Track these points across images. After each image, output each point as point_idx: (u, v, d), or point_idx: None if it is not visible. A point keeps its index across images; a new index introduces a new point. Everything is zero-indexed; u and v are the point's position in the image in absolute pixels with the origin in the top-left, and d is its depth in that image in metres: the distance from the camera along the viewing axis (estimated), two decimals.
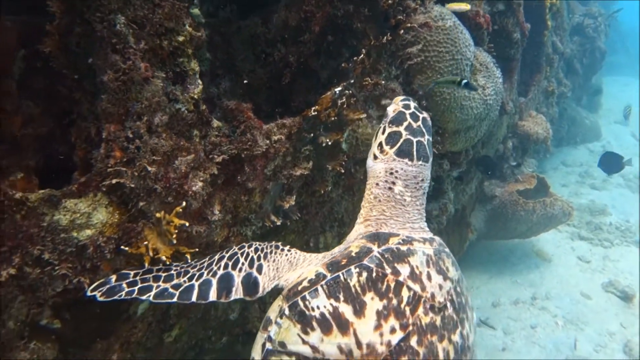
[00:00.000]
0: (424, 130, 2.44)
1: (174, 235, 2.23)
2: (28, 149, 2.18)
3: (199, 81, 2.34)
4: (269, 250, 2.41)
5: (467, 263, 7.16)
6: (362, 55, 3.16)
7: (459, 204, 5.98)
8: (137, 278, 2.19)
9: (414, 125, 2.42)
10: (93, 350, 2.38)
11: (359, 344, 1.86)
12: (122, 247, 2.18)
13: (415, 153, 2.36)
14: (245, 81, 3.26)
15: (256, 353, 2.09)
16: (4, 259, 1.93)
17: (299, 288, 2.05)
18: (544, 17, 7.24)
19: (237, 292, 2.23)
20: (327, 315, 1.92)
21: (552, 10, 7.70)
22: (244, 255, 2.38)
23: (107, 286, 2.12)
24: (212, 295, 2.19)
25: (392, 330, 1.88)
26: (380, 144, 2.44)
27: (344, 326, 1.89)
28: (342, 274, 2.00)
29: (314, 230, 3.46)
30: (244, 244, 2.47)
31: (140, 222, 2.24)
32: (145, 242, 2.23)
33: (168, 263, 2.30)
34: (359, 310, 1.91)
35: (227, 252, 2.41)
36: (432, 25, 3.65)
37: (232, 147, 2.51)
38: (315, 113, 2.79)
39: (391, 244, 2.13)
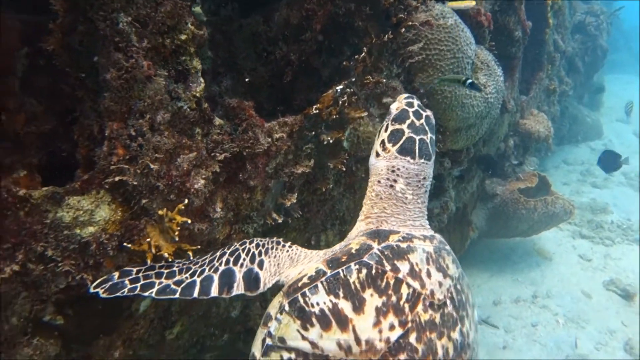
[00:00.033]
0: (426, 128, 2.44)
1: (176, 233, 2.24)
2: (31, 147, 2.19)
3: (201, 79, 2.35)
4: (270, 246, 2.42)
5: (468, 261, 7.17)
6: (363, 54, 3.16)
7: (460, 202, 5.98)
8: (140, 275, 2.20)
9: (417, 123, 2.42)
10: (95, 346, 2.40)
11: (357, 340, 1.87)
12: (124, 244, 2.18)
13: (417, 151, 2.36)
14: (247, 79, 3.27)
15: (256, 348, 2.10)
16: (8, 255, 1.94)
17: (299, 284, 2.06)
18: (546, 15, 7.24)
19: (239, 288, 2.24)
20: (327, 311, 1.93)
21: (553, 8, 7.69)
22: (245, 250, 2.39)
23: (110, 283, 2.13)
24: (214, 291, 2.20)
25: (391, 327, 1.89)
26: (382, 142, 2.44)
27: (343, 322, 1.90)
28: (342, 270, 2.01)
29: (316, 228, 3.47)
30: (245, 240, 2.48)
31: (142, 219, 2.25)
32: (148, 239, 2.24)
33: (170, 260, 2.32)
34: (358, 307, 1.92)
35: (228, 249, 2.42)
36: (433, 23, 3.65)
37: (234, 145, 2.52)
38: (317, 111, 2.80)
39: (391, 241, 2.14)
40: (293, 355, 1.94)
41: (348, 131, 3.18)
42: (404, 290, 1.97)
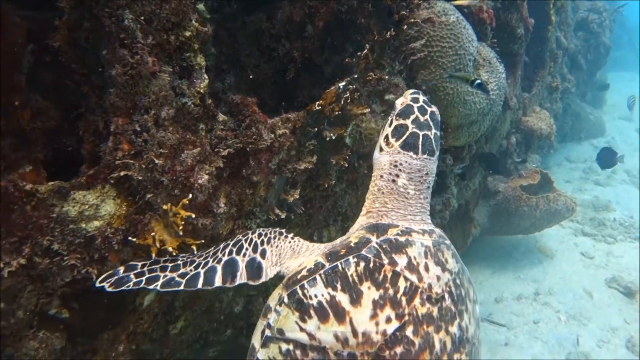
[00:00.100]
0: (431, 124, 2.43)
1: (180, 227, 2.26)
2: (37, 142, 2.20)
3: (205, 76, 2.36)
4: (272, 236, 2.45)
5: (470, 258, 7.18)
6: (365, 51, 3.18)
7: (462, 199, 5.99)
8: (145, 269, 2.23)
9: (422, 118, 2.42)
10: (100, 340, 2.42)
11: (354, 332, 1.89)
12: (129, 238, 2.21)
13: (420, 146, 2.36)
14: (250, 76, 3.28)
15: (256, 340, 2.13)
16: (14, 249, 1.97)
17: (298, 277, 2.08)
18: (548, 12, 7.24)
19: (242, 277, 2.28)
20: (325, 303, 1.95)
21: (556, 6, 7.69)
22: (248, 240, 2.42)
23: (116, 277, 2.16)
24: (218, 281, 2.23)
25: (388, 320, 1.90)
26: (386, 137, 2.44)
27: (340, 315, 1.92)
28: (341, 263, 2.03)
29: (318, 224, 3.48)
30: (248, 231, 2.51)
31: (147, 214, 2.27)
32: (152, 234, 2.26)
33: (174, 254, 2.34)
34: (356, 300, 1.94)
35: (231, 240, 2.46)
36: (435, 20, 3.66)
37: (238, 140, 2.54)
38: (320, 107, 2.81)
39: (390, 235, 2.15)
40: (291, 347, 1.96)
41: (350, 127, 3.19)
42: (402, 284, 1.98)
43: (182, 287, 2.18)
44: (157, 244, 2.26)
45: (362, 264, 2.02)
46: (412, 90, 2.59)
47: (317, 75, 3.45)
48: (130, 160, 2.12)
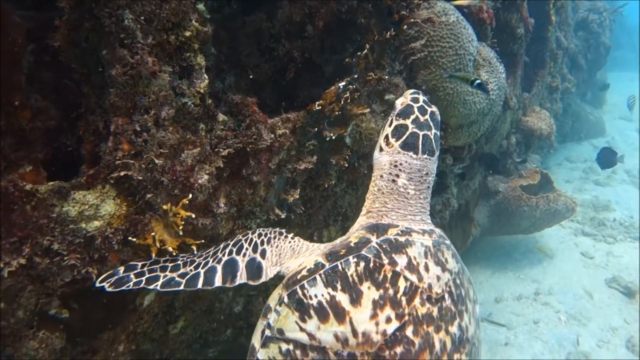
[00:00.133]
0: (431, 124, 2.43)
1: (181, 227, 2.26)
2: (36, 142, 2.21)
3: (205, 76, 2.37)
4: (272, 236, 2.45)
5: (470, 258, 7.17)
6: (365, 51, 3.18)
7: (462, 199, 5.99)
8: (145, 269, 2.23)
9: (422, 118, 2.42)
10: (100, 340, 2.42)
11: (354, 332, 1.89)
12: (129, 238, 2.21)
13: (420, 146, 2.35)
14: (251, 76, 3.28)
15: (256, 340, 2.13)
16: (14, 249, 1.97)
17: (298, 277, 2.08)
18: (548, 12, 7.24)
19: (242, 277, 2.28)
20: (325, 303, 1.95)
21: (556, 6, 7.69)
22: (248, 240, 2.43)
23: (116, 277, 2.16)
24: (218, 281, 2.23)
25: (388, 320, 1.91)
26: (386, 137, 2.44)
27: (340, 315, 1.92)
28: (340, 263, 2.03)
29: (318, 224, 3.48)
30: (248, 231, 2.51)
31: (147, 214, 2.28)
32: (152, 234, 2.26)
33: (174, 254, 2.34)
34: (356, 300, 1.94)
35: (231, 240, 2.46)
36: (435, 20, 3.67)
37: (238, 140, 2.54)
38: (320, 107, 2.81)
39: (389, 235, 2.15)
40: (291, 347, 1.96)
41: (350, 127, 3.19)
42: (401, 284, 1.98)
43: (182, 287, 2.18)
44: (157, 244, 2.26)
45: (362, 264, 2.02)
46: (412, 90, 2.59)
47: (317, 75, 3.45)
48: (130, 160, 2.12)
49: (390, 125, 2.46)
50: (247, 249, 2.37)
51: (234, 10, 3.23)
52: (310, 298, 1.98)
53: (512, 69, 5.86)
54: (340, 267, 2.02)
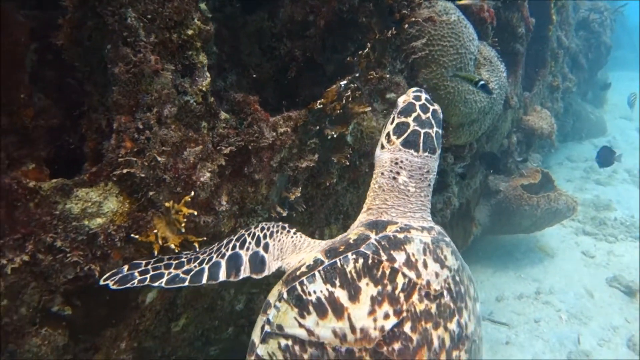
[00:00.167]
0: (433, 122, 2.43)
1: (183, 224, 2.28)
2: (39, 140, 2.22)
3: (207, 74, 2.37)
4: (275, 230, 2.47)
5: (471, 257, 7.16)
6: (367, 49, 3.18)
7: (463, 198, 5.99)
8: (149, 267, 2.24)
9: (423, 116, 2.41)
10: (102, 337, 2.44)
11: (352, 328, 1.90)
12: (132, 235, 2.22)
13: (421, 144, 2.35)
14: (252, 75, 3.29)
15: (256, 335, 2.14)
16: (18, 246, 1.98)
17: (298, 273, 2.10)
18: (549, 11, 7.24)
19: (245, 271, 2.30)
20: (323, 299, 1.96)
21: (557, 5, 7.70)
22: (251, 235, 2.44)
23: (120, 275, 2.17)
24: (222, 275, 2.25)
25: (386, 316, 1.91)
26: (387, 134, 2.44)
27: (338, 311, 1.93)
28: (339, 260, 2.04)
29: (319, 222, 3.49)
30: (251, 226, 2.52)
31: (149, 211, 2.28)
32: (155, 231, 2.27)
33: (177, 252, 2.35)
34: (354, 296, 1.95)
35: (234, 235, 2.48)
36: (436, 19, 3.67)
37: (239, 138, 2.55)
38: (321, 106, 2.82)
39: (388, 232, 2.16)
40: (290, 342, 1.97)
41: (352, 126, 3.20)
42: (400, 280, 1.99)
43: (186, 283, 2.19)
44: (160, 241, 2.27)
45: (360, 261, 2.03)
46: (414, 88, 2.59)
47: (318, 74, 3.46)
48: (132, 158, 2.13)
49: (392, 123, 2.46)
50: (250, 243, 2.39)
51: (236, 9, 3.24)
52: (309, 294, 1.99)
53: (513, 68, 5.87)
54: (339, 264, 2.03)
